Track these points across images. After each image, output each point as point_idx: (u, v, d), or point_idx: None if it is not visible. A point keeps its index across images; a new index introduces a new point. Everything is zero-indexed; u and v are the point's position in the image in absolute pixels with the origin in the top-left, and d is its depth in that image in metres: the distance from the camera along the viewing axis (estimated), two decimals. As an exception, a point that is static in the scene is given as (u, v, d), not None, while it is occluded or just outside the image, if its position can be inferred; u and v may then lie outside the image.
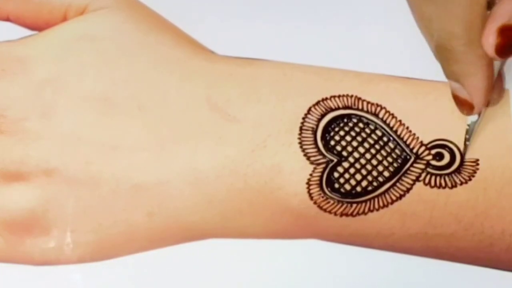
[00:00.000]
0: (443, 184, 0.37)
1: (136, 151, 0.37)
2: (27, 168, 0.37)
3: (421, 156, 0.37)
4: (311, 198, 0.37)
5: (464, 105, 0.36)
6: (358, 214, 0.37)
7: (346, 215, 0.37)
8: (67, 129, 0.37)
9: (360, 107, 0.38)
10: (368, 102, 0.38)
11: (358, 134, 0.38)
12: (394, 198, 0.37)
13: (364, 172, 0.37)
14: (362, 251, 0.39)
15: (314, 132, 0.38)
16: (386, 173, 0.37)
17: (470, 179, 0.37)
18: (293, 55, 0.40)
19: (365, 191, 0.37)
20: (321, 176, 0.37)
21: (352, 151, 0.37)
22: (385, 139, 0.38)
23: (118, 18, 0.39)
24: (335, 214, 0.37)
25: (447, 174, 0.37)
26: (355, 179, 0.37)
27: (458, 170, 0.37)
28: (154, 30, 0.40)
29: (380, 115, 0.38)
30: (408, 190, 0.37)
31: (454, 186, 0.37)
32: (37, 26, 0.40)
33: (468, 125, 0.37)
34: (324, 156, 0.37)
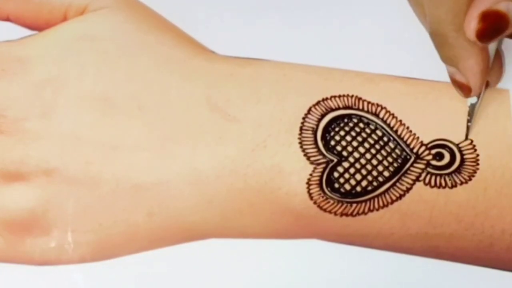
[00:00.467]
0: (443, 184, 0.37)
1: (136, 151, 0.37)
2: (27, 168, 0.37)
3: (421, 156, 0.37)
4: (311, 198, 0.37)
5: (462, 88, 0.36)
6: (358, 214, 0.37)
7: (346, 215, 0.37)
8: (67, 129, 0.37)
9: (360, 107, 0.38)
10: (368, 102, 0.38)
11: (358, 134, 0.38)
12: (394, 198, 0.37)
13: (364, 172, 0.37)
14: (362, 251, 0.39)
15: (314, 132, 0.38)
16: (386, 173, 0.37)
17: (470, 179, 0.37)
18: (293, 55, 0.40)
19: (365, 191, 0.37)
20: (321, 176, 0.37)
21: (352, 151, 0.37)
22: (385, 139, 0.38)
23: (118, 18, 0.39)
24: (335, 214, 0.37)
25: (447, 174, 0.37)
26: (355, 179, 0.37)
27: (458, 170, 0.37)
28: (154, 30, 0.40)
29: (381, 115, 0.38)
30: (408, 190, 0.37)
31: (454, 186, 0.37)
32: (37, 26, 0.40)
33: (469, 107, 0.37)
34: (324, 156, 0.37)
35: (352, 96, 0.38)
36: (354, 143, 0.37)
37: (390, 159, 0.37)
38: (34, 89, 0.38)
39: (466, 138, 0.37)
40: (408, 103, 0.38)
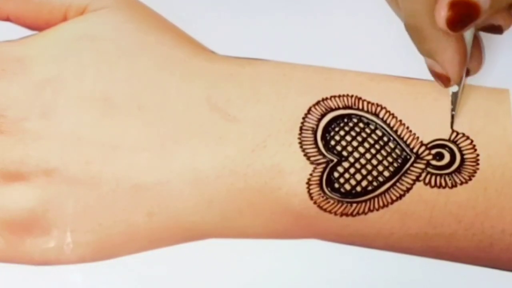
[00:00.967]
0: (443, 184, 0.37)
1: (136, 151, 0.37)
2: (27, 168, 0.37)
3: (421, 156, 0.37)
4: (311, 198, 0.37)
5: (441, 79, 0.37)
6: (358, 214, 0.37)
7: (346, 215, 0.37)
8: (67, 129, 0.37)
9: (360, 107, 0.38)
10: (368, 102, 0.38)
11: (358, 134, 0.38)
12: (394, 198, 0.37)
13: (364, 172, 0.37)
14: (362, 251, 0.39)
15: (314, 132, 0.38)
16: (386, 173, 0.37)
17: (470, 179, 0.37)
18: (293, 55, 0.40)
19: (365, 191, 0.37)
20: (321, 176, 0.37)
21: (352, 151, 0.37)
22: (385, 139, 0.38)
23: (118, 18, 0.39)
24: (335, 214, 0.37)
25: (447, 174, 0.37)
26: (355, 179, 0.37)
27: (458, 170, 0.37)
28: (154, 30, 0.40)
29: (381, 115, 0.38)
30: (408, 190, 0.37)
31: (454, 186, 0.37)
32: (37, 26, 0.40)
33: (451, 95, 0.37)
34: (324, 156, 0.37)
35: (352, 96, 0.38)
36: (354, 143, 0.37)
37: (390, 159, 0.37)
38: (34, 89, 0.38)
39: (452, 128, 0.37)
40: (408, 103, 0.38)
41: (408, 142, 0.37)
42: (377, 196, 0.37)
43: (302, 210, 0.37)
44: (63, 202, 0.37)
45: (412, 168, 0.37)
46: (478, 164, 0.37)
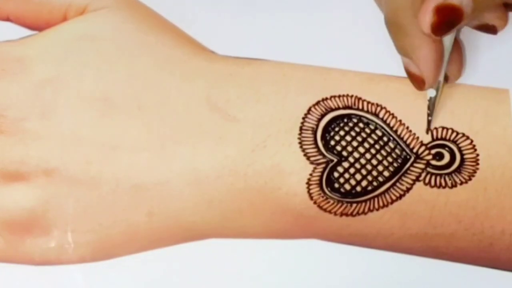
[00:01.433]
0: (443, 184, 0.37)
1: (136, 151, 0.37)
2: (27, 168, 0.37)
3: (421, 156, 0.37)
4: (311, 198, 0.37)
5: (416, 80, 0.36)
6: (358, 214, 0.37)
7: (346, 215, 0.37)
8: (67, 129, 0.37)
9: (360, 107, 0.38)
10: (368, 102, 0.38)
11: (358, 134, 0.38)
12: (394, 198, 0.37)
13: (364, 172, 0.37)
14: (362, 251, 0.39)
15: (314, 132, 0.38)
16: (386, 173, 0.37)
17: (470, 179, 0.37)
18: (293, 55, 0.40)
19: (365, 191, 0.37)
20: (321, 176, 0.37)
21: (352, 151, 0.37)
22: (385, 139, 0.38)
23: (118, 18, 0.39)
24: (335, 214, 0.37)
25: (447, 174, 0.37)
26: (355, 179, 0.37)
27: (458, 170, 0.37)
28: (154, 30, 0.40)
29: (380, 115, 0.38)
30: (408, 190, 0.37)
31: (454, 186, 0.37)
32: (37, 26, 0.40)
33: (428, 100, 0.37)
34: (324, 156, 0.37)
35: (352, 96, 0.38)
36: (354, 143, 0.37)
37: (390, 159, 0.37)
38: (34, 89, 0.38)
39: (427, 133, 0.37)
40: (408, 103, 0.38)
41: (408, 142, 0.37)
42: (377, 196, 0.37)
43: (302, 210, 0.37)
44: (63, 202, 0.37)
45: (412, 168, 0.37)
46: (478, 164, 0.37)
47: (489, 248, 0.37)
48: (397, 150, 0.37)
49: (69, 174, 0.37)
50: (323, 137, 0.37)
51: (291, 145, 0.37)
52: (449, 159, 0.37)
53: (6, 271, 0.39)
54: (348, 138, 0.38)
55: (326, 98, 0.38)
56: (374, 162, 0.37)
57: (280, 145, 0.37)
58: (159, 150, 0.37)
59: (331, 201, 0.37)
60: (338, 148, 0.37)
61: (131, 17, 0.40)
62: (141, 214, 0.37)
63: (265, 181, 0.37)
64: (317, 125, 0.38)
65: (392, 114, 0.38)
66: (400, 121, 0.38)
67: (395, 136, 0.38)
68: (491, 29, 0.37)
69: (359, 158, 0.37)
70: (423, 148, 0.37)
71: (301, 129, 0.38)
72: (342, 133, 0.38)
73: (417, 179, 0.37)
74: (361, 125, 0.38)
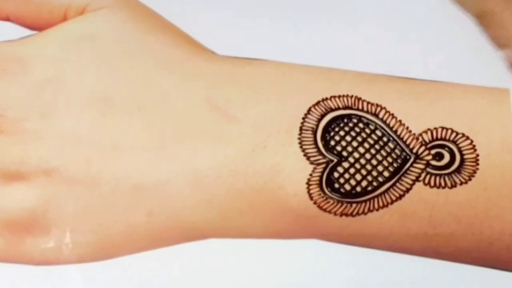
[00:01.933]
0: (443, 184, 0.37)
1: (136, 151, 0.37)
2: (27, 168, 0.37)
3: (421, 156, 0.37)
4: (311, 198, 0.37)
5: None
6: (358, 214, 0.37)
7: (346, 215, 0.37)
8: (67, 129, 0.37)
9: (360, 107, 0.38)
10: (368, 102, 0.38)
11: (358, 134, 0.38)
12: (394, 198, 0.37)
13: (364, 172, 0.37)
14: (362, 251, 0.39)
15: (314, 132, 0.38)
16: (386, 173, 0.37)
17: (470, 179, 0.37)
18: (293, 55, 0.40)
19: (365, 191, 0.37)
20: (321, 176, 0.37)
21: (352, 151, 0.37)
22: (385, 139, 0.38)
23: (118, 18, 0.39)
24: (335, 214, 0.37)
25: (447, 174, 0.37)
26: (355, 179, 0.37)
27: (458, 170, 0.37)
28: (154, 30, 0.40)
29: (380, 115, 0.38)
30: (408, 190, 0.37)
31: (454, 186, 0.37)
32: (37, 26, 0.40)
33: None
34: (324, 156, 0.37)
35: (351, 96, 0.38)
36: (354, 143, 0.37)
37: (390, 159, 0.37)
38: (34, 89, 0.38)
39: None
40: (408, 103, 0.38)
41: (408, 142, 0.37)
42: (377, 196, 0.37)
43: (302, 210, 0.37)
44: (63, 202, 0.37)
45: (411, 168, 0.37)
46: (478, 164, 0.37)
47: (489, 248, 0.37)
48: (397, 151, 0.37)
49: (69, 174, 0.37)
50: (323, 137, 0.37)
51: (291, 145, 0.37)
52: (449, 159, 0.37)
53: (6, 271, 0.39)
54: (348, 138, 0.38)
55: (326, 98, 0.38)
56: (374, 162, 0.37)
57: (280, 145, 0.37)
58: (159, 150, 0.37)
59: (331, 201, 0.37)
60: (338, 148, 0.37)
61: (131, 17, 0.40)
62: (141, 214, 0.37)
63: (265, 181, 0.37)
64: (317, 125, 0.38)
65: (392, 114, 0.38)
66: (400, 121, 0.38)
67: (395, 137, 0.37)
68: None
69: (359, 158, 0.37)
70: (423, 148, 0.37)
71: (301, 129, 0.38)
72: (342, 133, 0.38)
73: (417, 179, 0.37)
74: (361, 125, 0.38)
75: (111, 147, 0.37)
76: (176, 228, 0.38)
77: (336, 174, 0.37)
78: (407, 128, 0.37)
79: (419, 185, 0.37)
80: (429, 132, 0.37)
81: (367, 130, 0.38)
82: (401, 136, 0.37)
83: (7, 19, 0.41)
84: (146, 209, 0.37)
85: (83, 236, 0.37)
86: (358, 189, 0.37)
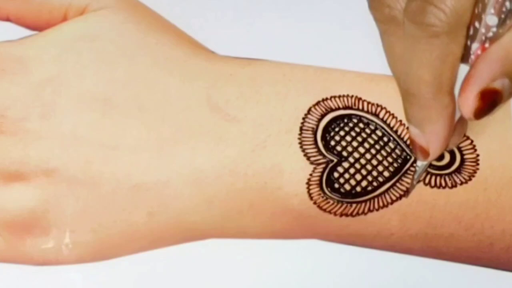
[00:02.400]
0: (443, 184, 0.37)
1: (136, 151, 0.37)
2: (27, 168, 0.37)
3: (421, 156, 0.37)
4: (311, 198, 0.37)
5: (421, 151, 0.34)
6: (358, 214, 0.37)
7: (346, 215, 0.37)
8: (67, 129, 0.37)
9: (360, 107, 0.38)
10: (368, 102, 0.38)
11: (358, 134, 0.38)
12: (394, 198, 0.37)
13: (364, 172, 0.37)
14: (362, 251, 0.39)
15: (314, 132, 0.38)
16: (386, 173, 0.37)
17: (470, 179, 0.37)
18: (293, 55, 0.40)
19: (365, 191, 0.37)
20: (321, 176, 0.37)
21: (352, 151, 0.37)
22: (385, 139, 0.38)
23: (118, 18, 0.39)
24: (335, 214, 0.37)
25: (447, 174, 0.37)
26: (355, 179, 0.37)
27: (458, 170, 0.37)
28: (154, 30, 0.40)
29: (381, 115, 0.38)
30: (408, 190, 0.37)
31: (454, 186, 0.37)
32: (37, 26, 0.40)
33: (418, 166, 0.36)
34: (324, 156, 0.37)
35: (352, 96, 0.38)
36: (354, 143, 0.37)
37: (390, 159, 0.37)
38: (34, 89, 0.38)
39: (405, 196, 0.37)
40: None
41: (408, 142, 0.37)
42: (377, 196, 0.37)
43: (302, 210, 0.37)
44: (63, 202, 0.37)
45: (412, 169, 0.37)
46: (478, 164, 0.37)
47: (489, 248, 0.37)
48: (397, 151, 0.37)
49: (69, 174, 0.37)
50: (323, 137, 0.37)
51: (291, 145, 0.37)
52: (449, 160, 0.37)
53: (6, 271, 0.39)
54: (348, 138, 0.37)
55: (326, 99, 0.38)
56: (374, 162, 0.37)
57: (280, 145, 0.37)
58: (159, 150, 0.37)
59: (331, 202, 0.37)
60: (338, 148, 0.37)
61: (131, 17, 0.40)
62: (141, 214, 0.37)
63: (265, 181, 0.37)
64: (317, 125, 0.38)
65: (392, 114, 0.38)
66: (400, 121, 0.38)
67: (395, 137, 0.37)
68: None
69: (359, 158, 0.37)
70: (423, 148, 0.37)
71: (301, 129, 0.38)
72: (342, 133, 0.38)
73: (417, 179, 0.37)
74: (361, 125, 0.38)
75: (111, 147, 0.37)
76: (176, 228, 0.38)
77: (336, 174, 0.37)
78: (407, 128, 0.37)
79: (419, 185, 0.37)
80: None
81: (367, 130, 0.38)
82: (402, 136, 0.37)
83: (7, 19, 0.41)
84: (146, 209, 0.37)
85: (83, 236, 0.37)
86: (358, 189, 0.37)
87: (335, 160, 0.37)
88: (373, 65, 0.40)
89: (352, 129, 0.38)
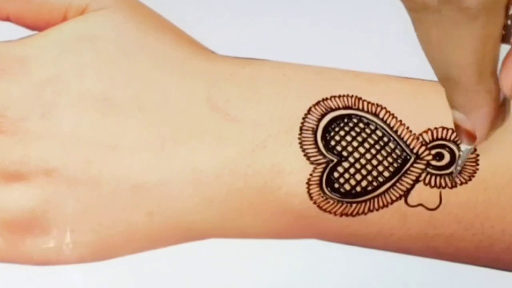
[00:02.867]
0: (443, 184, 0.37)
1: (136, 151, 0.37)
2: (27, 168, 0.37)
3: (421, 156, 0.37)
4: (311, 198, 0.37)
5: (467, 136, 0.34)
6: (358, 214, 0.37)
7: (346, 215, 0.37)
8: (67, 129, 0.37)
9: (360, 107, 0.38)
10: (368, 102, 0.38)
11: (358, 134, 0.38)
12: (394, 198, 0.37)
13: (364, 172, 0.37)
14: (362, 251, 0.39)
15: (314, 132, 0.38)
16: (386, 173, 0.37)
17: (470, 179, 0.37)
18: (293, 55, 0.40)
19: (365, 191, 0.37)
20: (321, 176, 0.37)
21: (352, 151, 0.37)
22: (385, 139, 0.38)
23: (118, 18, 0.39)
24: (335, 214, 0.37)
25: (447, 174, 0.37)
26: (355, 179, 0.37)
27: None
28: (154, 30, 0.40)
29: (381, 115, 0.38)
30: (408, 190, 0.37)
31: (454, 186, 0.37)
32: (37, 26, 0.40)
33: (462, 151, 0.36)
34: (324, 156, 0.37)
35: (352, 96, 0.38)
36: (354, 143, 0.37)
37: (390, 159, 0.37)
38: (34, 89, 0.38)
39: (452, 185, 0.37)
40: (408, 103, 0.38)
41: (408, 142, 0.37)
42: (377, 196, 0.37)
43: (302, 210, 0.37)
44: (63, 202, 0.37)
45: (412, 169, 0.37)
46: (478, 164, 0.37)
47: (489, 248, 0.37)
48: (397, 151, 0.37)
49: (69, 174, 0.37)
50: (323, 137, 0.37)
51: (291, 145, 0.37)
52: (449, 159, 0.37)
53: (6, 271, 0.39)
54: (348, 138, 0.38)
55: (326, 98, 0.38)
56: (374, 162, 0.37)
57: (280, 145, 0.37)
58: (159, 150, 0.37)
59: (331, 201, 0.37)
60: (338, 148, 0.37)
61: (131, 17, 0.40)
62: (141, 214, 0.37)
63: (265, 181, 0.37)
64: (317, 125, 0.38)
65: (393, 114, 0.38)
66: (401, 121, 0.38)
67: (395, 137, 0.37)
68: None
69: (359, 158, 0.37)
70: (423, 148, 0.37)
71: (301, 129, 0.38)
72: (342, 133, 0.38)
73: (417, 179, 0.37)
74: (361, 125, 0.38)
75: (111, 147, 0.37)
76: (176, 228, 0.38)
77: (336, 174, 0.37)
78: (408, 128, 0.37)
79: (419, 185, 0.37)
80: (429, 132, 0.37)
81: (368, 130, 0.38)
82: (402, 136, 0.37)
83: (7, 19, 0.41)
84: (146, 209, 0.37)
85: (83, 236, 0.37)
86: (358, 189, 0.37)
87: (335, 160, 0.37)
88: (373, 65, 0.40)
89: (352, 129, 0.38)
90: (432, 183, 0.37)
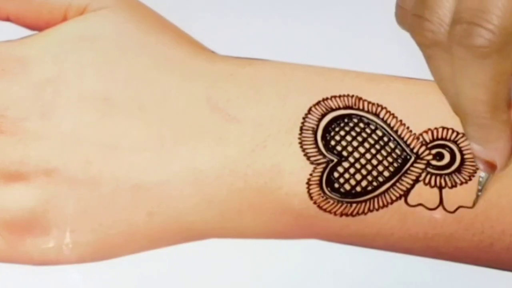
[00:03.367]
0: (443, 184, 0.37)
1: (136, 151, 0.37)
2: (27, 168, 0.37)
3: (421, 156, 0.37)
4: (311, 198, 0.37)
5: (488, 166, 0.35)
6: (358, 214, 0.37)
7: (346, 215, 0.37)
8: (67, 129, 0.37)
9: (360, 107, 0.38)
10: (368, 102, 0.38)
11: (358, 134, 0.38)
12: (394, 198, 0.37)
13: (364, 172, 0.37)
14: (362, 251, 0.39)
15: (315, 132, 0.38)
16: (386, 173, 0.37)
17: (470, 179, 0.37)
18: (293, 55, 0.40)
19: (365, 191, 0.37)
20: (321, 176, 0.37)
21: (353, 151, 0.37)
22: (385, 139, 0.38)
23: (119, 18, 0.39)
24: (335, 214, 0.37)
25: (447, 174, 0.37)
26: (355, 179, 0.37)
27: (458, 170, 0.37)
28: (155, 30, 0.40)
29: (381, 115, 0.38)
30: (408, 190, 0.37)
31: (454, 186, 0.37)
32: (37, 26, 0.40)
33: (482, 177, 0.36)
34: (324, 156, 0.37)
35: (352, 96, 0.38)
36: (354, 143, 0.37)
37: (390, 159, 0.37)
38: (34, 89, 0.38)
39: (473, 206, 0.37)
40: (408, 103, 0.38)
41: (408, 142, 0.37)
42: (377, 196, 0.37)
43: (302, 210, 0.37)
44: (63, 202, 0.37)
45: (412, 168, 0.37)
46: (478, 164, 0.37)
47: (489, 248, 0.37)
48: (397, 150, 0.37)
49: (69, 174, 0.37)
50: (323, 137, 0.37)
51: (291, 145, 0.37)
52: (449, 159, 0.37)
53: (6, 271, 0.39)
54: (348, 138, 0.38)
55: (327, 98, 0.38)
56: (374, 162, 0.37)
57: (280, 145, 0.37)
58: (159, 150, 0.37)
59: (331, 201, 0.37)
60: (339, 148, 0.37)
61: (131, 17, 0.40)
62: (141, 214, 0.37)
63: (265, 181, 0.37)
64: (318, 125, 0.38)
65: (393, 114, 0.38)
66: (401, 121, 0.38)
67: (395, 136, 0.37)
68: None
69: (359, 158, 0.37)
70: (423, 148, 0.37)
71: (301, 129, 0.38)
72: (342, 133, 0.38)
73: (417, 179, 0.37)
74: (361, 125, 0.38)
75: (111, 147, 0.37)
76: (176, 228, 0.38)
77: (336, 174, 0.37)
78: (408, 128, 0.37)
79: (419, 185, 0.37)
80: (429, 132, 0.37)
81: (368, 130, 0.38)
82: (402, 136, 0.37)
83: (7, 19, 0.41)
84: (146, 209, 0.37)
85: (83, 236, 0.37)
86: (358, 189, 0.37)
87: (335, 160, 0.37)
88: (373, 65, 0.40)
89: (352, 129, 0.38)
90: (432, 183, 0.37)
